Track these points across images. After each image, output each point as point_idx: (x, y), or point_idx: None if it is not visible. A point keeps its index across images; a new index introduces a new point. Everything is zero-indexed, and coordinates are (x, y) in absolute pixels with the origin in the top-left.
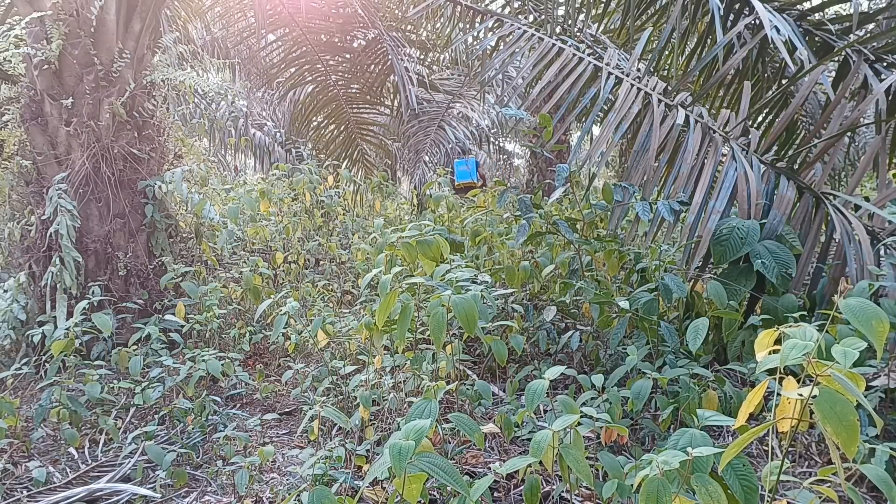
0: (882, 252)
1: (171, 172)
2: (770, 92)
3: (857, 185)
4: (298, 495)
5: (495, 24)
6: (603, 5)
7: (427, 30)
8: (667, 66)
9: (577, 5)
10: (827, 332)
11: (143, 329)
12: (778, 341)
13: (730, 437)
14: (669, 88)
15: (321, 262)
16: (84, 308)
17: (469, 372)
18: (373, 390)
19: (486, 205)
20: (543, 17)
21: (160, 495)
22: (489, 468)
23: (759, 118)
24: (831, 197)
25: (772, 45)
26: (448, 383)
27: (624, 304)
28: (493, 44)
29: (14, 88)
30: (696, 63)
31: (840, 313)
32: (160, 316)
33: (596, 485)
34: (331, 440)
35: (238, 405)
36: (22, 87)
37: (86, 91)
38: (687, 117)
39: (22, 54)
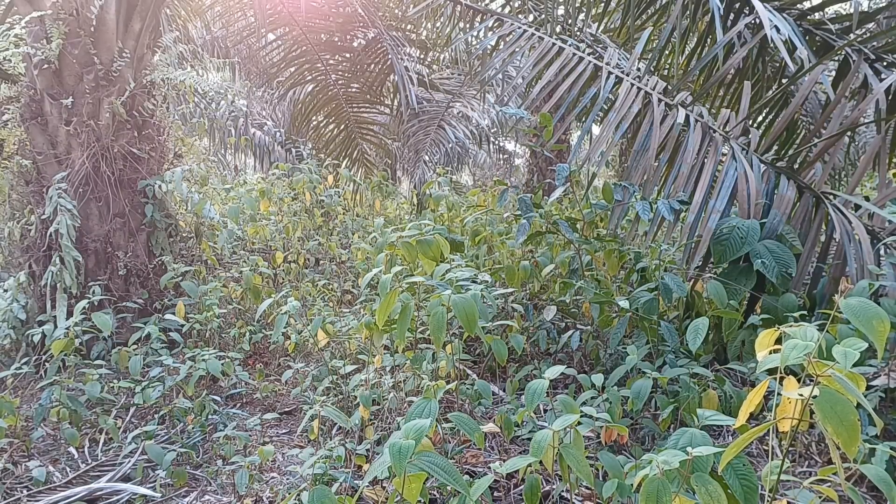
0: (882, 252)
1: (170, 172)
2: (770, 91)
3: (857, 184)
4: (298, 495)
5: (495, 24)
6: (603, 5)
7: (427, 29)
8: (667, 66)
9: (577, 5)
10: (827, 331)
11: (143, 328)
12: (778, 341)
13: (730, 437)
14: (669, 88)
15: (321, 262)
16: (84, 307)
17: (469, 371)
18: (373, 390)
19: (486, 204)
20: (543, 16)
21: (160, 495)
22: (489, 468)
23: (759, 118)
24: (831, 196)
25: (772, 45)
26: (448, 383)
27: (624, 303)
28: (493, 43)
29: (14, 88)
30: (697, 63)
31: (840, 313)
32: (160, 315)
33: (596, 484)
34: (331, 440)
35: (238, 405)
36: (22, 87)
37: (86, 90)
38: (687, 117)
39: (22, 54)
